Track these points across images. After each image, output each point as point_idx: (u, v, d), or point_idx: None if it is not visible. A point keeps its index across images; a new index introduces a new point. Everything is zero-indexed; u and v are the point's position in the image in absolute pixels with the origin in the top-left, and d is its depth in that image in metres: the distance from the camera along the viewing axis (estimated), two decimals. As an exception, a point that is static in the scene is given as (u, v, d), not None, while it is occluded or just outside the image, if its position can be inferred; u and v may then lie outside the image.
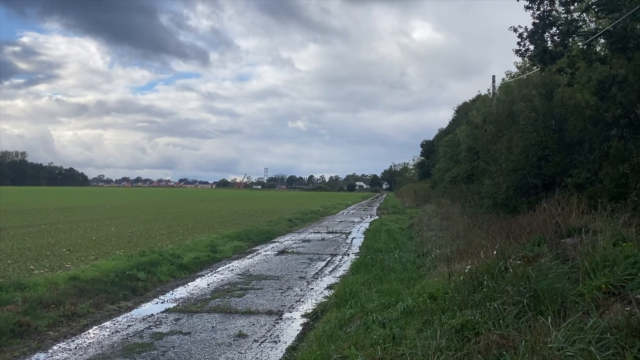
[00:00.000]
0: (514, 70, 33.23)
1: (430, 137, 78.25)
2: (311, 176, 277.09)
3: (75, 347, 6.67)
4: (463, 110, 51.22)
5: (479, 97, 45.05)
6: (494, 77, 31.33)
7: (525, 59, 20.90)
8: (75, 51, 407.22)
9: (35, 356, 6.35)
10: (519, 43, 14.94)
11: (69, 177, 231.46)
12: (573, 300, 4.88)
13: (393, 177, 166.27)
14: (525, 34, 14.65)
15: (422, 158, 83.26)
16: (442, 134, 62.59)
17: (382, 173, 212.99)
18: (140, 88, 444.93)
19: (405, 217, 31.24)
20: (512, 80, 31.83)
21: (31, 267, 11.66)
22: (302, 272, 12.64)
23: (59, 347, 6.71)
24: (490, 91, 32.28)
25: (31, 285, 9.03)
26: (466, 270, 6.78)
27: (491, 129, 23.80)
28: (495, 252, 6.90)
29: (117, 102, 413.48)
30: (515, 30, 14.85)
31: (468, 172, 30.13)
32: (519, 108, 19.79)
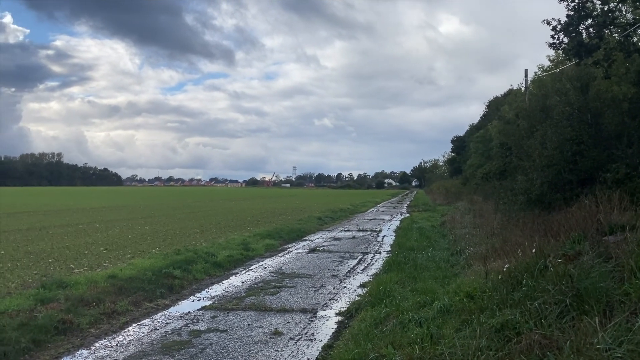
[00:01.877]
0: (547, 63, 32.52)
1: (461, 133, 77.40)
2: (339, 174, 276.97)
3: (116, 345, 6.83)
4: (494, 105, 50.40)
5: (510, 91, 44.23)
6: (526, 71, 30.72)
7: (559, 52, 20.45)
8: (106, 53, 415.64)
9: (79, 353, 6.52)
10: (552, 36, 14.62)
11: (104, 177, 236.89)
12: (619, 300, 4.76)
13: (423, 174, 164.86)
14: (559, 26, 14.32)
15: (453, 154, 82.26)
16: (473, 129, 61.73)
17: (412, 170, 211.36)
18: (170, 89, 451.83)
19: (437, 214, 30.94)
20: (545, 74, 31.16)
21: (71, 265, 11.98)
22: (334, 270, 12.66)
23: (101, 344, 6.87)
24: (523, 85, 31.68)
25: (72, 283, 9.27)
26: (504, 269, 6.68)
27: (524, 124, 23.37)
28: (534, 250, 6.78)
29: (147, 102, 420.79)
30: (548, 23, 14.53)
31: (500, 168, 29.62)
32: (553, 102, 19.38)
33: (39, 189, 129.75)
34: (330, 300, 9.46)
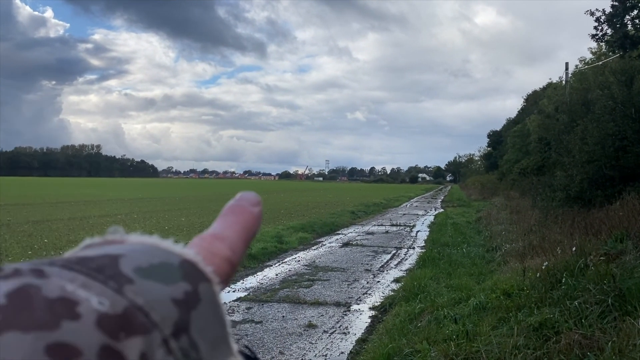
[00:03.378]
0: (588, 56, 31.61)
1: (497, 127, 75.97)
2: (372, 168, 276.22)
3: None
4: (533, 99, 49.28)
5: (549, 84, 43.14)
6: (567, 64, 29.90)
7: (602, 44, 19.84)
8: (142, 47, 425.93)
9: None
10: (595, 27, 14.24)
11: (141, 169, 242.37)
12: (664, 301, 4.62)
13: (457, 169, 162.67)
14: (603, 17, 13.92)
15: (489, 149, 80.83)
16: (511, 123, 60.53)
17: (446, 165, 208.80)
18: (204, 82, 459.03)
19: (472, 210, 30.53)
20: (586, 67, 30.27)
21: (111, 255, 12.32)
22: (367, 264, 12.65)
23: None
24: (563, 78, 30.87)
25: (112, 272, 9.54)
26: (543, 267, 6.56)
27: (564, 119, 22.77)
28: (574, 249, 6.63)
29: (182, 95, 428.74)
30: (591, 13, 14.14)
31: (539, 164, 29.00)
32: (595, 96, 18.81)
33: (78, 179, 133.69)
34: (363, 294, 9.47)
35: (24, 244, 13.76)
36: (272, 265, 12.38)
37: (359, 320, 7.81)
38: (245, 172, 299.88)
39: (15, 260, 11.17)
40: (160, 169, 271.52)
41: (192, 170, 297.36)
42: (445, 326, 6.15)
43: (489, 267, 10.56)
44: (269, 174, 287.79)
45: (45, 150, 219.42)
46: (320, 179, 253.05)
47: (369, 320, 7.76)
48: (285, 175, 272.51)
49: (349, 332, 7.13)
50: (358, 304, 8.73)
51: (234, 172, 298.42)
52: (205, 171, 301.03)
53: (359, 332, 7.14)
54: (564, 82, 30.54)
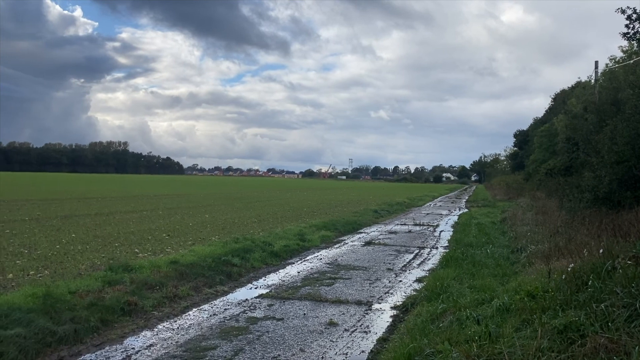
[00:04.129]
0: (619, 54, 30.78)
1: (524, 127, 74.79)
2: (396, 167, 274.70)
3: (178, 327, 7.09)
4: (561, 98, 48.35)
5: (578, 84, 42.25)
6: (596, 62, 29.24)
7: (634, 42, 19.35)
8: (168, 45, 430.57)
9: (143, 334, 6.82)
10: (627, 25, 13.90)
11: (166, 166, 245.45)
12: (695, 306, 4.48)
13: (483, 169, 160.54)
14: (635, 15, 13.56)
15: (515, 149, 79.66)
16: (538, 123, 59.55)
17: (471, 164, 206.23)
18: (229, 80, 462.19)
19: (497, 210, 30.12)
20: (617, 65, 29.53)
21: (136, 250, 12.52)
22: (389, 263, 12.59)
23: (163, 326, 7.16)
24: (592, 78, 30.19)
25: (137, 267, 9.68)
26: (569, 269, 6.43)
27: (593, 118, 22.31)
28: (601, 251, 6.48)
29: (207, 93, 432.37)
30: (622, 11, 13.80)
31: (566, 164, 28.47)
32: (625, 96, 18.38)
33: (106, 175, 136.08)
34: (385, 293, 9.43)
35: (52, 238, 14.06)
36: (294, 263, 12.41)
37: (380, 319, 7.78)
38: (268, 170, 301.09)
39: (43, 253, 11.43)
40: (185, 166, 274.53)
41: (217, 168, 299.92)
42: (467, 327, 6.08)
43: (513, 269, 10.40)
44: (293, 172, 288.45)
45: (74, 146, 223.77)
46: (344, 177, 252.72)
47: (390, 320, 7.73)
48: (309, 174, 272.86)
49: (369, 331, 7.11)
50: (379, 303, 8.70)
51: (257, 170, 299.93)
52: (229, 169, 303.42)
53: (380, 331, 7.12)
54: (593, 81, 29.89)
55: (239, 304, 8.44)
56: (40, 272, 9.57)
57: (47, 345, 6.02)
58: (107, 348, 6.21)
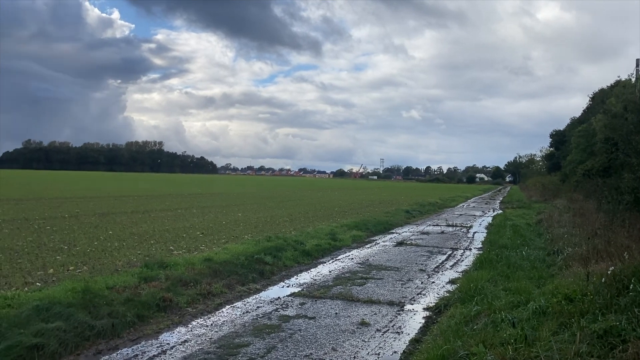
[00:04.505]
0: (663, 52, 29.74)
1: (561, 127, 73.06)
2: (428, 167, 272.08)
3: (211, 324, 7.19)
4: (599, 98, 47.03)
5: (618, 82, 40.99)
6: (637, 60, 28.37)
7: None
8: (202, 46, 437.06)
9: (177, 329, 6.94)
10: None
11: (200, 165, 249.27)
12: None
13: (517, 169, 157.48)
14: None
15: (551, 149, 77.78)
16: (575, 123, 58.11)
17: (505, 165, 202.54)
18: (261, 81, 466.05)
19: (532, 212, 29.49)
20: (660, 63, 28.54)
21: (171, 247, 12.75)
22: (422, 264, 12.48)
23: (197, 322, 7.27)
24: (633, 76, 29.26)
25: (172, 264, 9.85)
26: (608, 272, 6.25)
27: (633, 118, 21.62)
28: (643, 254, 6.28)
29: (241, 94, 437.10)
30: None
31: (605, 165, 27.69)
32: (669, 94, 17.74)
33: (141, 174, 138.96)
34: (418, 294, 9.35)
35: (91, 234, 14.44)
36: (325, 262, 12.43)
37: (413, 320, 7.71)
38: (300, 170, 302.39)
39: (82, 249, 11.76)
40: (219, 165, 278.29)
41: (249, 167, 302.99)
42: (502, 330, 5.98)
43: (549, 271, 10.17)
44: (324, 172, 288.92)
45: (111, 146, 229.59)
46: (375, 177, 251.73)
47: (423, 321, 7.66)
48: (340, 174, 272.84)
49: (402, 332, 7.06)
50: (412, 304, 8.63)
51: (289, 170, 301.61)
52: (261, 168, 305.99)
53: (412, 332, 7.06)
54: (634, 79, 28.97)
55: (271, 302, 8.50)
56: (79, 267, 9.85)
57: (86, 339, 6.18)
58: (143, 343, 6.34)
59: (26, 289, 7.76)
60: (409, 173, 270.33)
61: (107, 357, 5.85)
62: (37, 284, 8.30)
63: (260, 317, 7.55)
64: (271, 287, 9.65)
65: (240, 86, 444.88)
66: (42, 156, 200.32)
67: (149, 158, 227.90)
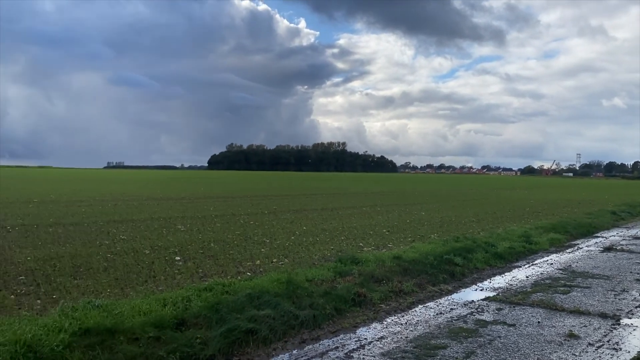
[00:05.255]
0: None
1: None
2: (636, 162, 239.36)
3: (405, 323, 7.19)
4: None
5: None
6: None
7: None
8: (381, 47, 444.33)
9: (373, 325, 7.08)
10: None
11: (380, 164, 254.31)
12: None
13: None
14: None
15: None
16: None
17: None
18: (441, 76, 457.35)
19: None
20: None
21: (360, 244, 13.13)
22: (637, 273, 10.97)
23: (391, 320, 7.33)
24: None
25: (363, 260, 10.11)
26: None
27: None
28: None
29: (420, 92, 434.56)
30: None
31: None
32: None
33: (327, 174, 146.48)
34: (636, 307, 8.22)
35: (287, 229, 15.58)
36: (520, 267, 11.64)
37: (632, 336, 6.79)
38: (483, 167, 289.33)
39: (281, 243, 12.73)
40: (398, 164, 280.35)
41: (429, 166, 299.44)
42: None
43: None
44: (510, 169, 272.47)
45: (299, 147, 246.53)
46: (570, 174, 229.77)
47: (646, 339, 6.70)
48: (529, 171, 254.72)
49: (620, 349, 6.25)
50: (630, 318, 7.61)
51: (471, 167, 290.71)
52: (441, 166, 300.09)
53: (633, 350, 6.21)
54: None
55: (465, 304, 8.22)
56: (281, 260, 10.67)
57: (292, 327, 6.64)
58: (341, 336, 6.60)
59: (239, 277, 8.64)
60: (612, 169, 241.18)
61: (310, 346, 6.20)
62: (247, 273, 9.19)
63: (455, 320, 7.33)
64: (463, 289, 9.33)
65: (420, 83, 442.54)
66: (242, 158, 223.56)
67: (333, 158, 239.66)
